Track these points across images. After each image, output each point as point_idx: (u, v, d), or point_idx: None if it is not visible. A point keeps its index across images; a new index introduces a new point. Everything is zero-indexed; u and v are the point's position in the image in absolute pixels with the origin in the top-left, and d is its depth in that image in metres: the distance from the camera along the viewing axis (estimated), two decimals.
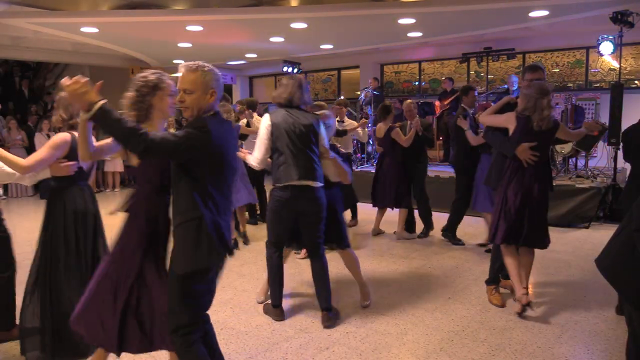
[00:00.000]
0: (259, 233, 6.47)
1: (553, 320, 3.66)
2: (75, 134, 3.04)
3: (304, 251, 5.28)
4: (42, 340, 3.05)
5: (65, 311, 2.90)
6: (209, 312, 3.85)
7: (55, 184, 3.13)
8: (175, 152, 2.16)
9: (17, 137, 10.11)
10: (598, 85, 11.12)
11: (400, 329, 3.54)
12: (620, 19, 7.57)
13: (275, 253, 3.69)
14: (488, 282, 4.10)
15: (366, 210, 6.98)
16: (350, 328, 3.56)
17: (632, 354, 2.26)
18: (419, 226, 6.25)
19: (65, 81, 2.29)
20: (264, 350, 3.23)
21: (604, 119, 8.02)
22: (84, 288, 2.90)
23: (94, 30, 9.24)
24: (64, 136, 3.05)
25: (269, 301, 3.82)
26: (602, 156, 8.34)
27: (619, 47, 7.97)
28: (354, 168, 8.74)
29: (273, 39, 10.18)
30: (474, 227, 6.45)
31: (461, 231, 6.00)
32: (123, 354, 2.44)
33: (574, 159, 8.53)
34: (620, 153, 5.38)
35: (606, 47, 8.11)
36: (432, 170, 8.00)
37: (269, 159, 3.59)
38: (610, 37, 7.94)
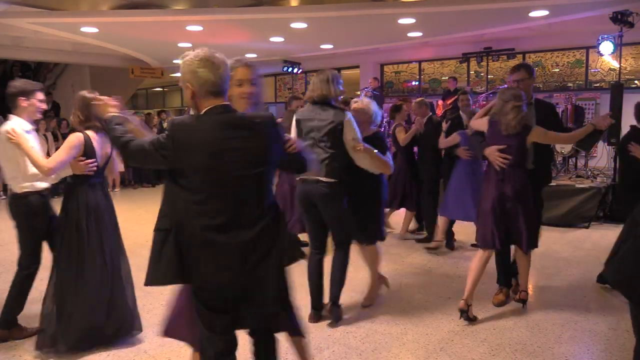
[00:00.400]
0: None
1: (553, 320, 3.65)
2: (89, 133, 3.27)
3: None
4: (54, 335, 3.18)
5: (73, 302, 3.18)
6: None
7: (70, 180, 3.32)
8: None
9: None
10: (598, 85, 11.12)
11: (400, 329, 3.54)
12: (620, 19, 7.57)
13: (313, 253, 3.67)
14: (498, 282, 4.09)
15: None
16: (350, 328, 3.55)
17: None
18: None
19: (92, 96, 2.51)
20: None
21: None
22: (96, 282, 3.23)
23: (94, 30, 9.24)
24: (78, 136, 3.23)
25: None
26: (602, 156, 8.35)
27: (619, 47, 7.97)
28: None
29: (273, 39, 10.18)
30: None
31: (462, 232, 6.00)
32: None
33: (574, 159, 8.53)
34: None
35: (606, 47, 8.11)
36: None
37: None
38: (610, 37, 7.94)
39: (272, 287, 2.07)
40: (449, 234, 5.61)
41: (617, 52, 8.09)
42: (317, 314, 3.67)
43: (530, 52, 11.65)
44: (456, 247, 5.68)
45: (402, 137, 5.78)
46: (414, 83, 13.59)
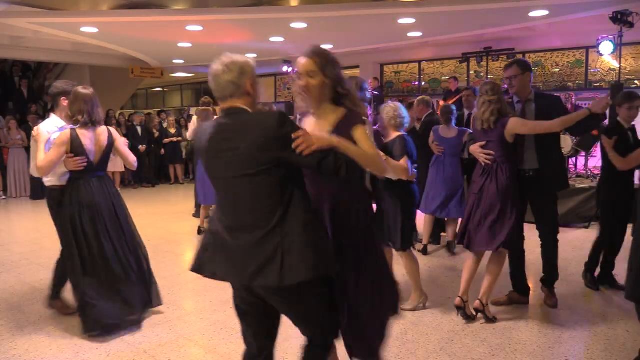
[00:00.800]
0: None
1: (553, 320, 3.65)
2: (78, 130, 3.36)
3: None
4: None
5: (84, 290, 3.37)
6: (208, 311, 3.86)
7: (68, 176, 3.49)
8: None
9: (17, 137, 10.11)
10: (598, 85, 11.12)
11: (400, 329, 3.53)
12: (620, 18, 7.57)
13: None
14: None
15: None
16: None
17: None
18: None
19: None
20: None
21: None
22: (92, 276, 3.35)
23: (94, 30, 9.25)
24: (65, 133, 3.34)
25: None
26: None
27: (618, 47, 7.97)
28: None
29: (273, 39, 10.19)
30: None
31: None
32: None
33: (574, 159, 8.53)
34: None
35: (606, 47, 8.11)
36: None
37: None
38: (610, 37, 7.94)
39: (286, 301, 2.02)
40: (435, 230, 5.67)
41: (617, 52, 8.09)
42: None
43: (530, 52, 11.65)
44: (456, 248, 5.68)
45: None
46: (414, 83, 13.60)
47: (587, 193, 6.83)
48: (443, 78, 12.97)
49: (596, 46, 8.30)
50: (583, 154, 8.06)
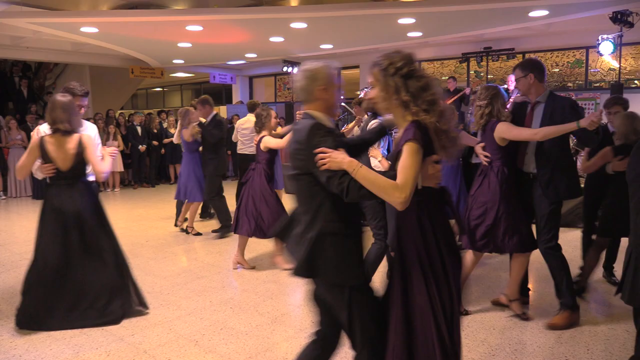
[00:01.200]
0: None
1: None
2: (48, 137, 3.48)
3: None
4: None
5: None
6: (208, 311, 3.86)
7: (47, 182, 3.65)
8: None
9: (17, 137, 10.11)
10: (598, 85, 11.12)
11: None
12: (620, 18, 7.58)
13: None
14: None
15: None
16: None
17: None
18: None
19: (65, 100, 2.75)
20: (264, 350, 3.23)
21: (604, 118, 8.02)
22: (62, 281, 3.43)
23: (94, 30, 9.25)
24: (34, 140, 3.53)
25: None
26: None
27: (618, 47, 7.97)
28: None
29: (273, 39, 10.19)
30: None
31: None
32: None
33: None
34: None
35: (606, 47, 8.12)
36: None
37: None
38: (610, 37, 7.95)
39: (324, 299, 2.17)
40: None
41: (617, 52, 8.09)
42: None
43: (530, 52, 11.65)
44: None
45: None
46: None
47: None
48: (443, 78, 12.97)
49: (596, 46, 8.30)
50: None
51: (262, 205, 4.72)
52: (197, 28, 9.07)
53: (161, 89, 20.92)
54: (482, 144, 3.63)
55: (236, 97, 17.11)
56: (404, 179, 1.88)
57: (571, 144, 7.32)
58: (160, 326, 3.60)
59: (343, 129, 6.50)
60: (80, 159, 3.52)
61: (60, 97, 3.49)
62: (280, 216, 4.73)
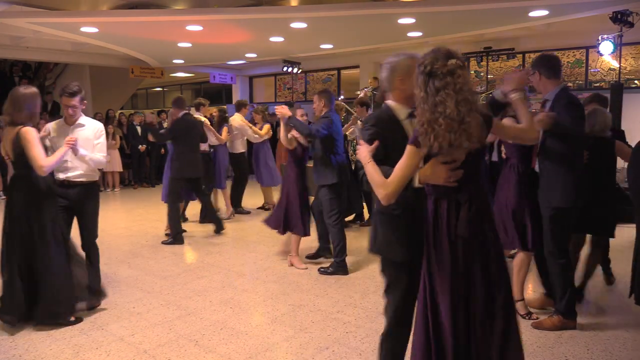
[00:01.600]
0: (261, 233, 6.48)
1: None
2: (6, 128, 3.52)
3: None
4: None
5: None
6: (208, 311, 3.86)
7: None
8: None
9: None
10: (598, 85, 11.12)
11: None
12: (620, 18, 7.58)
13: None
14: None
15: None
16: (350, 328, 3.56)
17: None
18: None
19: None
20: (264, 350, 3.23)
21: None
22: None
23: (94, 30, 9.25)
24: None
25: None
26: None
27: (618, 47, 7.97)
28: None
29: (273, 39, 10.18)
30: None
31: None
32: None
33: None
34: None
35: (606, 47, 8.12)
36: None
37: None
38: (610, 37, 7.94)
39: None
40: None
41: (617, 52, 8.09)
42: None
43: (530, 52, 11.64)
44: None
45: None
46: None
47: None
48: None
49: (596, 46, 8.30)
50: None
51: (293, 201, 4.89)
52: (197, 28, 9.07)
53: (161, 89, 20.92)
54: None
55: (236, 97, 17.09)
56: (391, 178, 2.04)
57: None
58: (160, 326, 3.60)
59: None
60: (20, 151, 3.46)
61: (17, 89, 3.53)
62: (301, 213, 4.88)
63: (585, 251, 4.12)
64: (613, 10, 7.55)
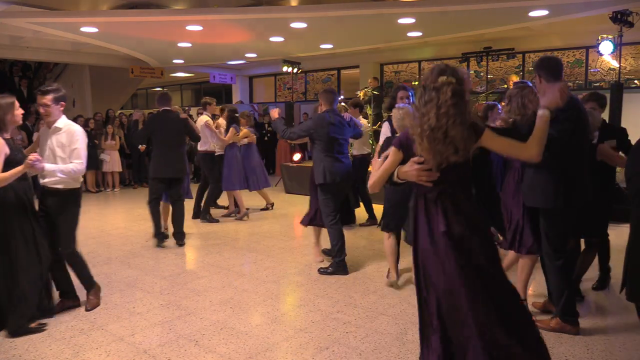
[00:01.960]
0: (260, 233, 6.47)
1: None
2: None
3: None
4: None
5: None
6: (208, 311, 3.86)
7: None
8: None
9: (17, 137, 10.09)
10: (598, 84, 11.12)
11: (400, 328, 3.54)
12: (620, 18, 7.58)
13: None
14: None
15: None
16: (350, 328, 3.56)
17: None
18: None
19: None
20: (264, 350, 3.23)
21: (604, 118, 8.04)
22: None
23: (94, 30, 9.25)
24: None
25: None
26: None
27: (618, 46, 7.97)
28: None
29: (273, 39, 10.19)
30: None
31: None
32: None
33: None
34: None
35: (606, 47, 8.12)
36: None
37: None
38: (610, 36, 7.95)
39: None
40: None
41: (617, 52, 8.10)
42: None
43: (530, 52, 11.65)
44: None
45: None
46: (413, 83, 13.60)
47: None
48: None
49: (596, 46, 8.30)
50: None
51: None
52: (197, 28, 9.07)
53: (161, 89, 20.92)
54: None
55: (236, 97, 17.11)
56: (375, 172, 2.45)
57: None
58: (160, 326, 3.60)
59: None
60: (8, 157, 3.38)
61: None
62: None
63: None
64: (613, 10, 7.56)
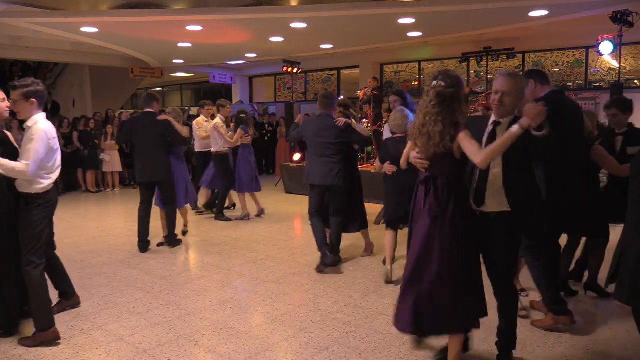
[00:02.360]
0: (260, 233, 6.48)
1: None
2: None
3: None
4: None
5: None
6: (208, 311, 3.86)
7: None
8: None
9: (18, 136, 10.09)
10: (598, 85, 11.12)
11: None
12: (620, 18, 7.58)
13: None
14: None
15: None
16: (350, 328, 3.56)
17: None
18: None
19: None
20: (264, 350, 3.23)
21: (604, 118, 8.02)
22: None
23: (94, 30, 9.25)
24: None
25: None
26: None
27: (618, 46, 7.97)
28: None
29: (273, 39, 10.19)
30: None
31: None
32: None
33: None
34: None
35: (606, 47, 8.12)
36: None
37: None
38: (610, 37, 7.95)
39: None
40: None
41: (617, 52, 8.10)
42: None
43: (530, 52, 11.65)
44: None
45: None
46: (413, 83, 13.61)
47: None
48: None
49: (596, 46, 8.30)
50: None
51: None
52: (197, 28, 9.07)
53: (161, 89, 20.92)
54: None
55: (236, 97, 17.11)
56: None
57: None
58: (160, 326, 3.60)
59: None
60: None
61: None
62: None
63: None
64: (613, 10, 7.56)
